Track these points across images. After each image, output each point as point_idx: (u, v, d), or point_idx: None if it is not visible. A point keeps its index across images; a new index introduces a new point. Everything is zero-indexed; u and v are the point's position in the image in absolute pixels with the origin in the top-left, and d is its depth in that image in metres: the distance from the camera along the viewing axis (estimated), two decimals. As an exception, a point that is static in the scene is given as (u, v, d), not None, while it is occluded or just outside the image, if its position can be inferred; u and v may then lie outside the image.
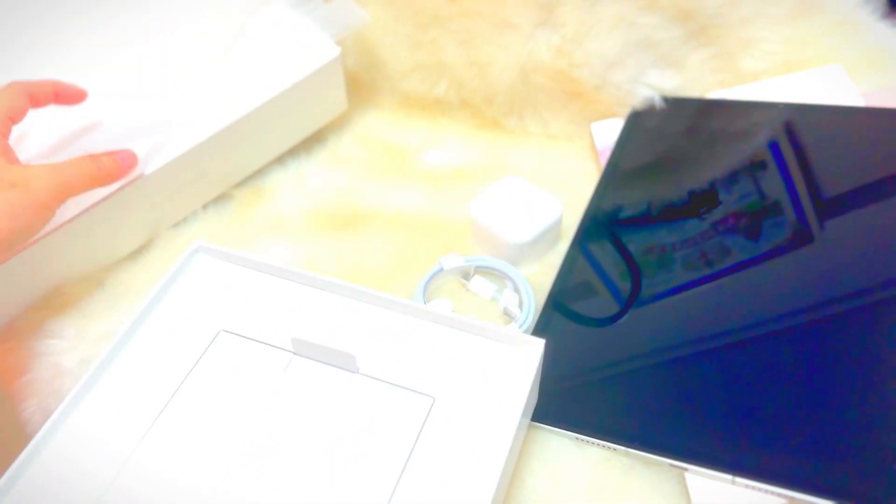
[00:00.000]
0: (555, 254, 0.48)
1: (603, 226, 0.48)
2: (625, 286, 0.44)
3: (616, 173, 0.51)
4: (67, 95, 0.46)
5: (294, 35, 0.53)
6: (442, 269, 0.46)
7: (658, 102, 0.55)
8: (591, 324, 0.43)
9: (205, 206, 0.53)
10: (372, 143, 0.60)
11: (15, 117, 0.42)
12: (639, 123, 0.54)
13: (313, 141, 0.58)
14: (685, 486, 0.35)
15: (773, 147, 0.49)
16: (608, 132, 0.55)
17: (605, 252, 0.46)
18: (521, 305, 0.45)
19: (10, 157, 0.40)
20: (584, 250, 0.47)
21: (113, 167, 0.43)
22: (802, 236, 0.43)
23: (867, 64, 0.55)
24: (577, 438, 0.38)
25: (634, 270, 0.45)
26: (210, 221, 0.53)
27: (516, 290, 0.46)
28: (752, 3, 0.57)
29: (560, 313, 0.43)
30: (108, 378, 0.36)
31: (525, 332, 0.43)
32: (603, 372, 0.40)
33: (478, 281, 0.46)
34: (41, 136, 0.47)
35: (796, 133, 0.50)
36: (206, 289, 0.40)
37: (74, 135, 0.48)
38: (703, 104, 0.54)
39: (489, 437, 0.33)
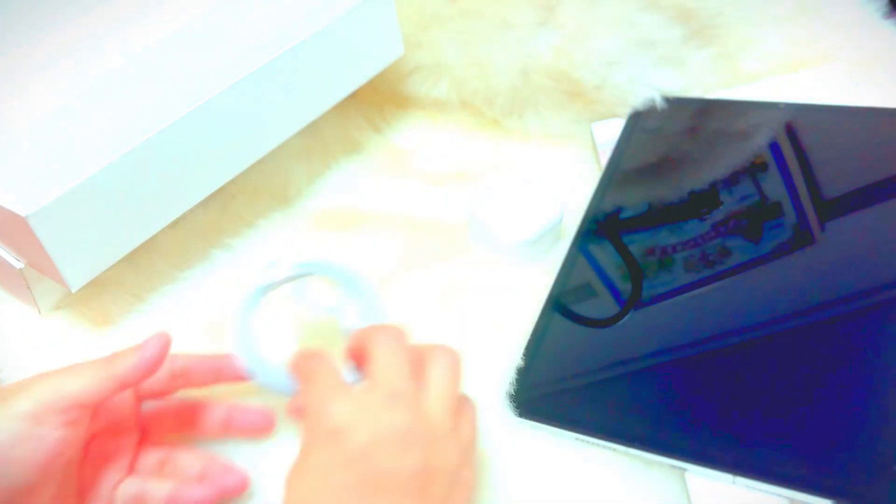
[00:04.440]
0: (555, 254, 0.48)
1: (603, 226, 0.48)
2: (625, 287, 0.44)
3: (616, 173, 0.51)
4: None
5: None
6: (271, 284, 0.38)
7: (659, 102, 0.55)
8: (591, 324, 0.43)
9: (205, 206, 0.52)
10: (372, 143, 0.60)
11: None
12: (639, 123, 0.54)
13: (313, 140, 0.58)
14: (685, 487, 0.35)
15: (774, 147, 0.49)
16: (609, 132, 0.54)
17: (605, 252, 0.46)
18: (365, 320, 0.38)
19: None
20: (584, 251, 0.47)
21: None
22: (803, 237, 0.43)
23: (867, 64, 0.54)
24: (577, 438, 0.38)
25: (635, 271, 0.45)
26: (211, 220, 0.53)
27: (359, 301, 0.38)
28: (752, 3, 0.57)
29: (560, 314, 0.43)
30: None
31: None
32: (603, 372, 0.40)
33: (315, 291, 0.39)
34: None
35: (797, 133, 0.50)
36: None
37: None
38: (703, 104, 0.54)
39: None
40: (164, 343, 0.34)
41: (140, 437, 0.37)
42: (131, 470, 0.35)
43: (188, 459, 0.36)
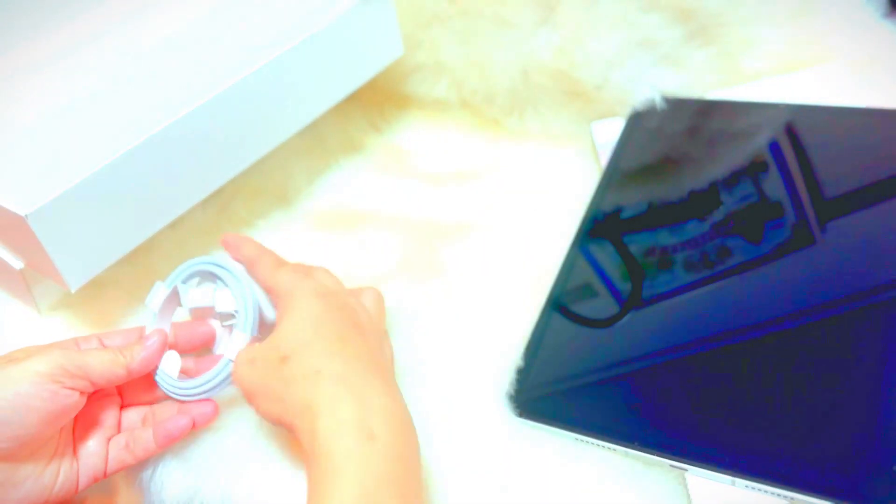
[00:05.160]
0: (555, 254, 0.48)
1: (603, 226, 0.48)
2: (625, 287, 0.44)
3: (617, 173, 0.51)
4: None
5: None
6: (154, 314, 0.41)
7: (659, 102, 0.54)
8: (591, 324, 0.43)
9: (205, 206, 0.53)
10: (372, 143, 0.60)
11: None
12: (639, 123, 0.54)
13: (313, 140, 0.58)
14: (685, 487, 0.35)
15: (774, 147, 0.49)
16: (609, 132, 0.54)
17: (605, 253, 0.46)
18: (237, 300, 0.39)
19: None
20: (584, 251, 0.47)
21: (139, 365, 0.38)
22: (803, 237, 0.43)
23: (867, 64, 0.54)
24: (577, 438, 0.38)
25: (635, 271, 0.45)
26: (210, 220, 0.53)
27: (227, 285, 0.40)
28: (752, 3, 0.57)
29: (560, 314, 0.43)
30: None
31: (245, 331, 0.38)
32: (603, 372, 0.40)
33: (195, 295, 0.40)
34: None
35: (797, 133, 0.50)
36: None
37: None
38: (703, 104, 0.54)
39: None
40: (164, 338, 0.39)
41: (121, 401, 0.41)
42: (119, 429, 0.40)
43: (166, 409, 0.40)
